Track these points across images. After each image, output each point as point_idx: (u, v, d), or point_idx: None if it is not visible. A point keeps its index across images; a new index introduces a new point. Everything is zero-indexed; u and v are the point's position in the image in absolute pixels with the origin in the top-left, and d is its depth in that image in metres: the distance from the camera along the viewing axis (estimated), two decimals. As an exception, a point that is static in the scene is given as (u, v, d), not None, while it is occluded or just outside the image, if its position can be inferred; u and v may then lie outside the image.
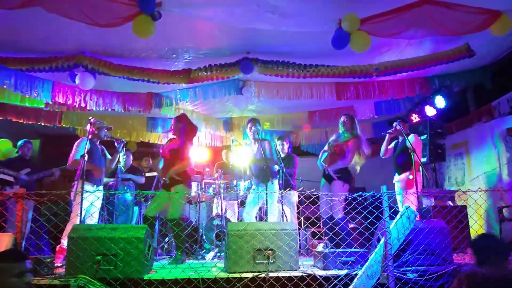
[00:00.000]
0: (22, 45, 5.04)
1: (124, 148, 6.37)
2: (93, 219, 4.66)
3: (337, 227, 4.02)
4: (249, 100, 6.70)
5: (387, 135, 5.11)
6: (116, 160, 5.18)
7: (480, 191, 3.63)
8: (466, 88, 7.21)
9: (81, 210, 4.03)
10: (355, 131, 4.84)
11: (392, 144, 5.28)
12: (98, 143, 4.99)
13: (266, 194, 4.53)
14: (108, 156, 5.11)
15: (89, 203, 4.51)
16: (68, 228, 4.22)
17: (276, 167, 5.47)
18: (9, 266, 2.23)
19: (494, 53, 6.09)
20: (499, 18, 4.62)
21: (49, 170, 5.51)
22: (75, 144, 4.82)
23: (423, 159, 6.39)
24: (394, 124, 5.16)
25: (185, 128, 4.77)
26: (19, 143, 5.80)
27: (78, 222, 3.99)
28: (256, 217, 5.05)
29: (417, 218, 3.91)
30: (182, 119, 4.86)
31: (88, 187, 4.55)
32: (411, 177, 4.79)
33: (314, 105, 7.39)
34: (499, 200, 6.06)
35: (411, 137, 4.94)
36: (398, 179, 5.15)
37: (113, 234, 3.18)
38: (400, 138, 5.14)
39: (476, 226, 5.34)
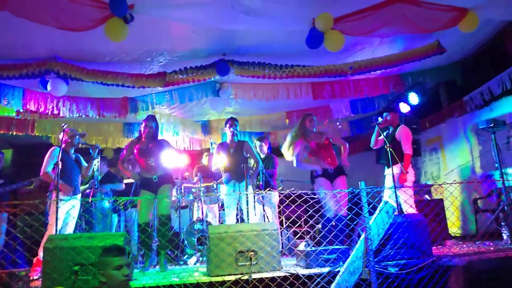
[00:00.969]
0: (-11, 52, 4.87)
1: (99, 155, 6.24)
2: (68, 229, 4.53)
3: (341, 224, 3.96)
4: (226, 102, 6.68)
5: (377, 126, 4.97)
6: (92, 167, 5.05)
7: (455, 183, 3.72)
8: (438, 84, 7.41)
9: (56, 220, 3.91)
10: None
11: (383, 135, 5.15)
12: (72, 151, 4.86)
13: (247, 195, 4.50)
14: (84, 163, 4.98)
15: (65, 213, 4.39)
16: (45, 239, 4.11)
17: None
18: (111, 260, 2.51)
19: (464, 49, 6.28)
20: (466, 15, 4.76)
21: (28, 180, 5.29)
22: (47, 154, 4.68)
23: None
24: (384, 114, 5.06)
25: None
26: None
27: (54, 233, 3.87)
28: (237, 219, 5.03)
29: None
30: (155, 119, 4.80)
31: (62, 196, 4.41)
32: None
33: (292, 105, 7.43)
34: (474, 192, 6.24)
35: (400, 128, 4.86)
36: (388, 172, 4.93)
37: (90, 243, 3.09)
38: (391, 129, 5.04)
39: (453, 218, 5.48)
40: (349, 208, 3.36)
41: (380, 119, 5.02)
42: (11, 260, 4.50)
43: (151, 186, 4.46)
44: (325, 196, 4.19)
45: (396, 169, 4.63)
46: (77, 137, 4.82)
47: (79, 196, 4.80)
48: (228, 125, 5.18)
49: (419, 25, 4.80)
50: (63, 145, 4.42)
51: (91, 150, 4.91)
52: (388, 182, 4.82)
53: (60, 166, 4.09)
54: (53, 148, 4.77)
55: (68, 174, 4.58)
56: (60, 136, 4.67)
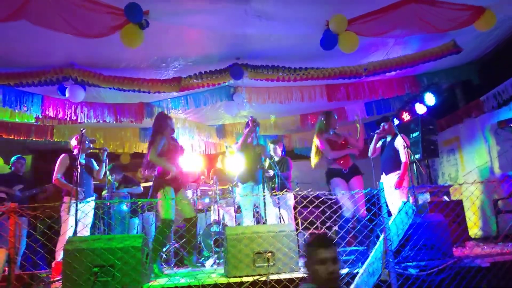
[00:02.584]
0: (9, 59, 4.99)
1: (112, 166, 6.30)
2: (84, 232, 4.63)
3: (360, 224, 3.93)
4: (240, 106, 6.71)
5: (376, 135, 5.12)
6: (103, 170, 5.15)
7: (476, 182, 3.65)
8: (454, 84, 7.31)
9: (76, 223, 3.98)
10: None
11: (380, 143, 5.24)
12: (83, 156, 4.98)
13: (264, 196, 4.49)
14: (96, 167, 5.09)
15: (80, 216, 4.49)
16: (60, 243, 4.20)
17: (271, 172, 5.47)
18: (314, 251, 2.18)
19: (479, 48, 6.18)
20: (483, 13, 4.70)
21: (42, 186, 5.44)
22: (57, 162, 4.86)
23: (417, 156, 6.41)
24: (382, 124, 5.15)
25: None
26: (12, 159, 5.70)
27: (67, 237, 3.94)
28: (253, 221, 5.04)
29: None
30: None
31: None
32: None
33: (306, 108, 7.42)
34: (494, 193, 6.11)
35: (399, 138, 4.87)
36: (386, 179, 5.02)
37: (109, 244, 3.12)
38: (389, 138, 5.12)
39: (474, 220, 5.37)
40: (368, 208, 3.32)
41: (384, 124, 5.13)
42: (32, 262, 4.60)
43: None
44: (342, 196, 4.16)
45: (394, 176, 4.80)
46: (87, 142, 4.95)
47: (91, 199, 4.93)
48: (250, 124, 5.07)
49: (434, 25, 4.76)
50: (75, 151, 4.54)
51: (99, 153, 5.04)
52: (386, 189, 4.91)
53: (79, 171, 4.19)
54: (62, 155, 4.93)
55: (79, 180, 4.69)
56: (73, 141, 4.82)
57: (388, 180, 4.85)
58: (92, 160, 5.12)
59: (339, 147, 4.78)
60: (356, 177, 4.65)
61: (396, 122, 6.80)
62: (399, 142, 4.82)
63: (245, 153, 5.05)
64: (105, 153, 5.06)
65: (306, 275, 2.21)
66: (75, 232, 3.95)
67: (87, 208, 4.68)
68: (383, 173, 5.05)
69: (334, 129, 4.87)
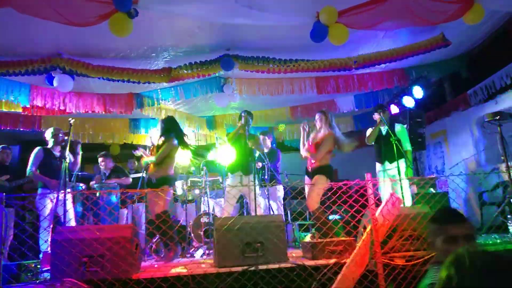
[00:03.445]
0: (-4, 48, 4.91)
1: (104, 153, 6.30)
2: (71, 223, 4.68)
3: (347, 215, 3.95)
4: (231, 97, 6.70)
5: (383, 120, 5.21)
6: (79, 162, 5.19)
7: (462, 175, 3.72)
8: (442, 77, 7.38)
9: (64, 213, 3.96)
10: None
11: (376, 132, 5.34)
12: (58, 149, 5.11)
13: (255, 186, 4.52)
14: (71, 159, 5.08)
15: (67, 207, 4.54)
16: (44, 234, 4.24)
17: (260, 164, 5.50)
18: (442, 228, 1.82)
19: (468, 42, 6.24)
20: (472, 6, 4.73)
21: (27, 177, 5.40)
22: (31, 155, 4.99)
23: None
24: (375, 114, 5.29)
25: None
26: None
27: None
28: (242, 212, 5.06)
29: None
30: None
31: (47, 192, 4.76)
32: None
33: (296, 100, 7.44)
34: (478, 185, 6.22)
35: (402, 127, 5.18)
36: (390, 167, 5.13)
37: (99, 235, 3.12)
38: (386, 127, 5.23)
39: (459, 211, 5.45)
40: (356, 200, 3.36)
41: (376, 114, 5.32)
42: (20, 253, 4.57)
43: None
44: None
45: (401, 164, 4.96)
46: (60, 135, 5.05)
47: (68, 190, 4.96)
48: (243, 118, 5.09)
49: (423, 17, 4.78)
50: (50, 143, 4.83)
51: (76, 147, 5.10)
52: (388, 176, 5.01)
53: (69, 161, 4.21)
54: (36, 149, 5.05)
55: (52, 171, 4.87)
56: (47, 133, 5.05)
57: (392, 169, 5.01)
58: (67, 152, 5.10)
59: (313, 144, 4.80)
60: (317, 175, 4.51)
61: (395, 110, 6.83)
62: (403, 131, 4.94)
63: (236, 143, 5.07)
64: (79, 146, 5.13)
65: (434, 255, 1.90)
66: (61, 223, 3.95)
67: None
68: (386, 162, 5.19)
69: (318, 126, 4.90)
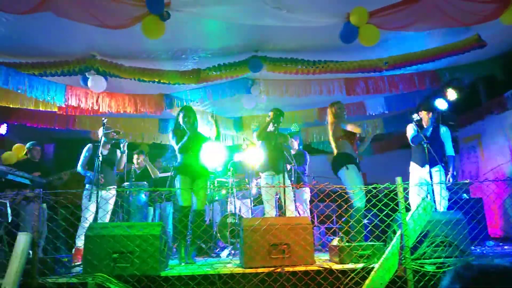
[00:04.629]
0: (34, 50, 5.11)
1: (139, 150, 6.48)
2: (105, 220, 4.78)
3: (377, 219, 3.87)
4: (259, 99, 6.71)
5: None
6: (124, 160, 5.26)
7: (497, 180, 3.58)
8: (477, 80, 7.13)
9: (97, 210, 4.08)
10: None
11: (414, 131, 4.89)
12: (108, 147, 5.19)
13: (284, 188, 4.50)
14: (118, 158, 5.23)
15: (102, 203, 4.64)
16: (81, 229, 4.36)
17: (288, 166, 5.47)
18: None
19: (504, 43, 6.00)
20: (509, 7, 4.56)
21: (58, 173, 5.58)
22: (82, 152, 5.09)
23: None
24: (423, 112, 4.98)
25: None
26: (27, 145, 5.76)
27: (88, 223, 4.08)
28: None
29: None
30: None
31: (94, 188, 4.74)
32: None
33: (324, 101, 7.35)
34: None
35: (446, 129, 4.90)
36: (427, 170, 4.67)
37: (129, 232, 3.20)
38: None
39: (494, 219, 5.26)
40: (385, 203, 3.30)
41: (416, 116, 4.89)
42: (53, 247, 4.75)
43: None
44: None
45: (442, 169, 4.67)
46: (112, 133, 5.11)
47: (112, 189, 5.08)
48: (272, 114, 5.07)
49: (457, 18, 4.64)
50: (102, 141, 4.73)
51: (120, 145, 5.14)
52: (438, 177, 4.70)
53: (100, 159, 4.30)
54: (87, 145, 5.15)
55: (99, 168, 4.84)
56: (100, 131, 4.93)
57: (435, 173, 4.64)
58: (117, 150, 5.27)
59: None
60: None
61: (443, 105, 6.23)
62: (448, 133, 4.75)
63: (266, 142, 5.02)
64: (125, 144, 5.17)
65: None
66: (95, 219, 4.06)
67: (107, 196, 4.82)
68: (426, 165, 4.63)
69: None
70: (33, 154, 5.72)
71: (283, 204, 4.60)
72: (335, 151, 4.54)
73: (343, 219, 3.94)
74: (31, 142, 5.77)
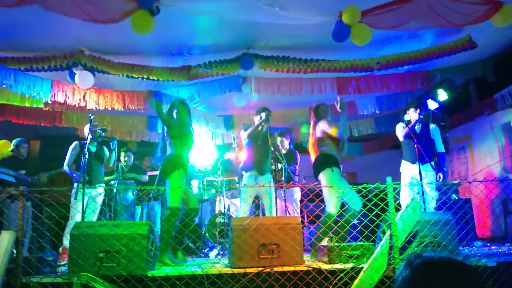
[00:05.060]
0: (20, 44, 5.00)
1: (126, 148, 6.39)
2: (90, 218, 4.71)
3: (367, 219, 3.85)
4: (249, 97, 6.66)
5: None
6: (113, 158, 5.17)
7: (486, 181, 3.59)
8: (468, 81, 7.17)
9: (83, 209, 4.01)
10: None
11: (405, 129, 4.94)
12: (95, 144, 5.12)
13: (270, 187, 4.47)
14: (107, 155, 5.15)
15: (89, 202, 4.58)
16: (68, 228, 4.28)
17: (279, 165, 5.41)
18: None
19: (496, 45, 6.05)
20: (500, 8, 4.58)
21: (35, 176, 5.41)
22: (69, 150, 5.04)
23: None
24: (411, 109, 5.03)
25: None
26: (14, 142, 5.58)
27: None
28: (258, 213, 4.99)
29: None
30: None
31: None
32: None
33: (315, 101, 7.31)
34: (503, 192, 6.02)
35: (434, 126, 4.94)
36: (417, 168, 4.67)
37: (115, 231, 3.14)
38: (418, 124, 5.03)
39: (482, 219, 5.30)
40: (375, 203, 3.28)
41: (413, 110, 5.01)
42: (38, 246, 4.66)
43: None
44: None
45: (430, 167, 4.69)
46: (98, 130, 5.03)
47: (99, 187, 5.02)
48: (264, 114, 4.93)
49: (449, 19, 4.65)
50: (88, 139, 4.65)
51: (110, 143, 5.09)
52: (432, 177, 4.75)
53: (87, 156, 4.23)
54: (73, 143, 5.09)
55: (85, 167, 4.75)
56: (86, 128, 4.85)
57: (425, 170, 4.66)
58: (105, 148, 5.18)
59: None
60: None
61: (434, 105, 6.44)
62: (437, 130, 4.77)
63: (253, 141, 4.93)
64: (115, 142, 5.11)
65: None
66: (82, 218, 3.98)
67: (95, 194, 4.75)
68: (417, 162, 4.63)
69: None
70: (20, 151, 5.55)
71: (268, 207, 4.55)
72: (317, 152, 4.40)
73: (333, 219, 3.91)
74: (18, 139, 5.59)
